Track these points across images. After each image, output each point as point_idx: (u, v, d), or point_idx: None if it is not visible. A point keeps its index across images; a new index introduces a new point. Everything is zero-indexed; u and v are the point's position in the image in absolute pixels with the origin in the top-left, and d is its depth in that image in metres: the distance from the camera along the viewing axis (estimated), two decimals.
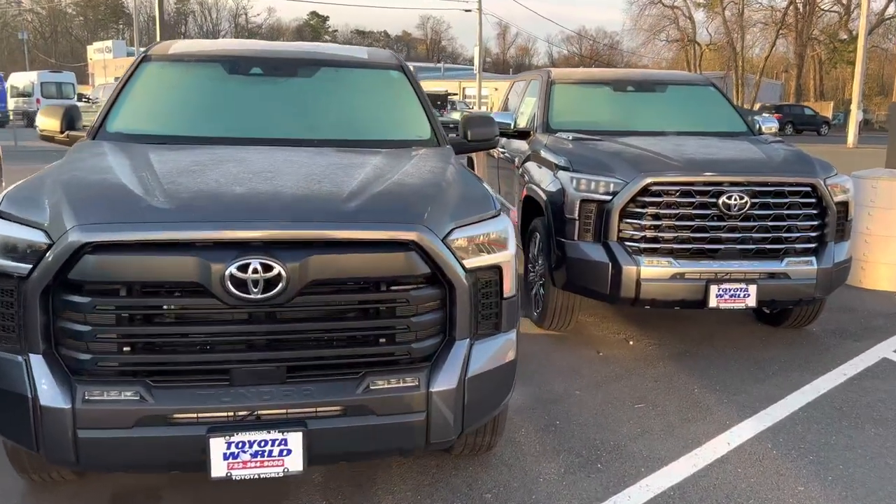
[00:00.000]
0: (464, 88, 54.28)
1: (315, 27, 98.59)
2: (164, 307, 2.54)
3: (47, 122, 3.96)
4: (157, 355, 2.55)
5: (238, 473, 2.55)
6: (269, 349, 2.61)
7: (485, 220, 2.95)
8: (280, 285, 2.51)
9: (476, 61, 38.77)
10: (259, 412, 2.58)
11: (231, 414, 2.57)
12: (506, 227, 3.01)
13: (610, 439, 3.83)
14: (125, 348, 2.55)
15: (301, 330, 2.61)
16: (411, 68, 4.55)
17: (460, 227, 2.84)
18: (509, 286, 2.97)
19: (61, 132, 3.94)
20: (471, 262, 2.82)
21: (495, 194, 3.24)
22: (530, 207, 5.79)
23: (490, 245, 2.91)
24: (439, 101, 37.29)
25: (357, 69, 4.34)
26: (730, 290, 4.76)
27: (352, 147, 3.67)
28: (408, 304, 2.68)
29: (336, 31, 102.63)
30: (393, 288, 2.67)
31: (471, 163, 8.90)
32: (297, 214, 2.61)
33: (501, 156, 7.11)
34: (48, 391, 2.50)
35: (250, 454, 2.55)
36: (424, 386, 2.70)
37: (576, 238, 5.01)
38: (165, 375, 2.57)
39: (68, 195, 2.68)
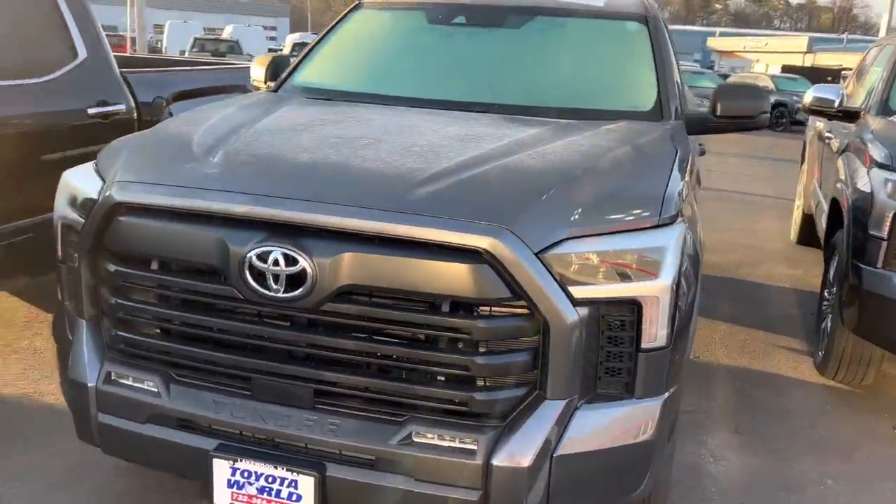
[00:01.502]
0: None
1: None
2: (184, 290, 2.10)
3: (256, 71, 3.83)
4: (177, 345, 2.15)
5: None
6: (294, 364, 2.04)
7: (629, 230, 2.01)
8: (305, 285, 1.92)
9: (882, 30, 32.94)
10: (275, 439, 2.05)
11: (249, 434, 2.07)
12: (663, 244, 2.02)
13: None
14: (147, 330, 2.19)
15: (331, 346, 1.99)
16: (663, 21, 3.53)
17: (581, 237, 1.95)
18: (654, 332, 1.99)
19: (265, 82, 3.77)
20: (585, 291, 1.92)
21: (677, 194, 2.23)
22: (837, 213, 4.34)
23: (629, 268, 1.97)
24: (829, 77, 32.59)
25: (580, 19, 3.46)
26: None
27: (533, 115, 2.88)
28: (471, 338, 1.91)
29: None
30: (454, 311, 1.91)
31: (804, 151, 7.24)
32: (342, 195, 1.97)
33: (828, 143, 5.55)
34: (79, 363, 2.25)
35: (256, 488, 2.04)
36: (484, 454, 1.92)
37: (880, 265, 3.56)
38: (186, 370, 2.16)
39: (138, 147, 2.39)
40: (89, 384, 2.21)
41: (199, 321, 2.10)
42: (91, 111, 3.97)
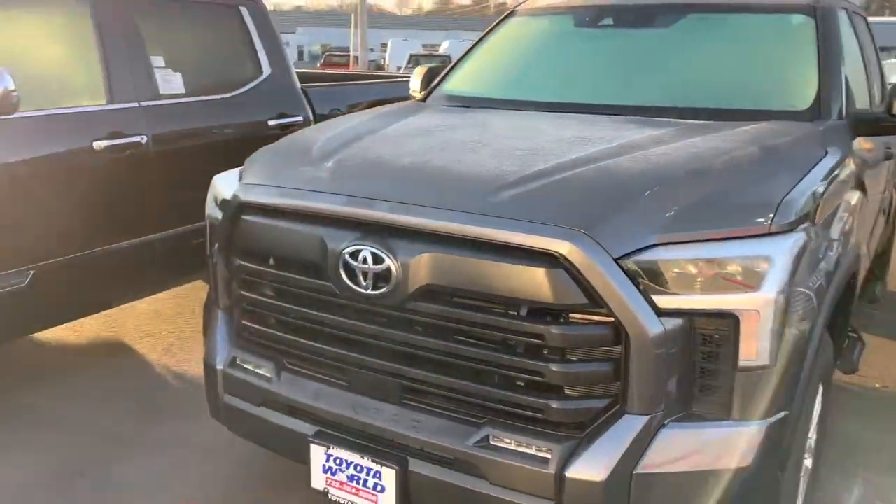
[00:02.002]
0: None
1: None
2: (293, 285, 2.25)
3: (413, 82, 3.98)
4: (286, 335, 2.30)
5: (335, 494, 2.17)
6: (382, 358, 2.11)
7: (732, 238, 1.86)
8: (390, 283, 1.99)
9: None
10: (365, 430, 2.13)
11: (343, 423, 2.17)
12: (769, 254, 1.84)
13: None
14: (265, 320, 2.37)
15: (413, 344, 2.04)
16: (852, 12, 3.20)
17: (673, 243, 1.84)
18: (754, 349, 1.82)
19: (420, 91, 3.91)
20: (672, 301, 1.81)
21: (806, 200, 2.01)
22: None
23: (726, 278, 1.82)
24: None
25: (739, 14, 3.22)
26: None
27: (671, 116, 2.74)
28: (546, 343, 1.86)
29: None
30: (531, 316, 1.88)
31: None
32: (428, 197, 2.01)
33: None
34: (212, 347, 2.50)
35: (346, 476, 2.14)
36: (558, 464, 1.86)
37: None
38: (295, 359, 2.31)
39: (271, 152, 2.60)
40: (218, 367, 2.44)
41: (304, 314, 2.24)
42: (271, 122, 4.35)
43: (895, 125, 2.84)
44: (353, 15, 20.49)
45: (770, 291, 1.82)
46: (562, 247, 1.80)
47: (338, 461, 2.14)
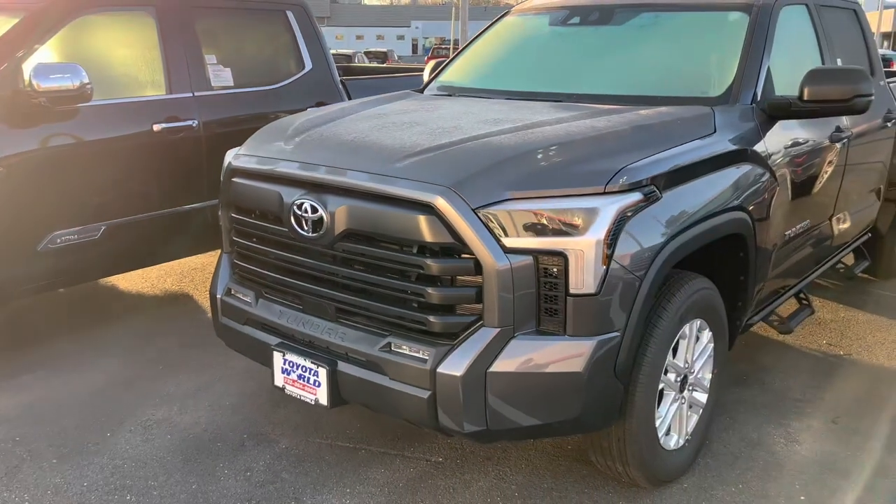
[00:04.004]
0: None
1: None
2: (264, 231, 2.93)
3: (425, 73, 4.62)
4: (261, 270, 3.00)
5: (290, 390, 2.85)
6: (321, 286, 2.77)
7: (565, 195, 2.40)
8: (322, 228, 2.64)
9: None
10: (310, 340, 2.80)
11: (296, 336, 2.84)
12: (596, 206, 2.37)
13: None
14: (249, 260, 3.07)
15: (341, 275, 2.68)
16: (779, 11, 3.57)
17: (520, 198, 2.40)
18: (581, 280, 2.36)
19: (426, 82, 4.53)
20: (515, 241, 2.37)
21: (651, 169, 2.53)
22: None
23: (560, 225, 2.37)
24: None
25: (684, 13, 3.65)
26: None
27: (599, 102, 3.25)
28: (425, 272, 2.46)
29: None
30: (414, 252, 2.49)
31: None
32: (349, 163, 2.65)
33: None
34: (216, 281, 3.23)
35: (296, 375, 2.82)
36: (432, 363, 2.46)
37: None
38: (267, 288, 3.01)
39: (265, 129, 3.29)
40: (218, 295, 3.18)
41: (272, 254, 2.93)
42: (310, 109, 5.09)
43: (805, 110, 3.22)
44: (452, 8, 21.11)
45: (593, 236, 2.35)
46: (434, 199, 2.40)
47: (291, 364, 2.82)
